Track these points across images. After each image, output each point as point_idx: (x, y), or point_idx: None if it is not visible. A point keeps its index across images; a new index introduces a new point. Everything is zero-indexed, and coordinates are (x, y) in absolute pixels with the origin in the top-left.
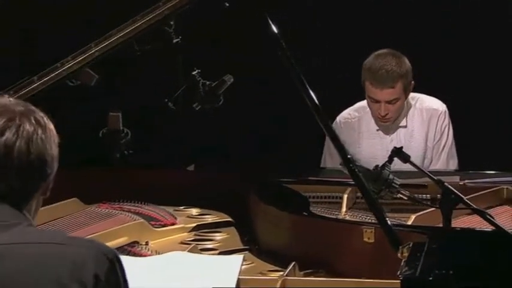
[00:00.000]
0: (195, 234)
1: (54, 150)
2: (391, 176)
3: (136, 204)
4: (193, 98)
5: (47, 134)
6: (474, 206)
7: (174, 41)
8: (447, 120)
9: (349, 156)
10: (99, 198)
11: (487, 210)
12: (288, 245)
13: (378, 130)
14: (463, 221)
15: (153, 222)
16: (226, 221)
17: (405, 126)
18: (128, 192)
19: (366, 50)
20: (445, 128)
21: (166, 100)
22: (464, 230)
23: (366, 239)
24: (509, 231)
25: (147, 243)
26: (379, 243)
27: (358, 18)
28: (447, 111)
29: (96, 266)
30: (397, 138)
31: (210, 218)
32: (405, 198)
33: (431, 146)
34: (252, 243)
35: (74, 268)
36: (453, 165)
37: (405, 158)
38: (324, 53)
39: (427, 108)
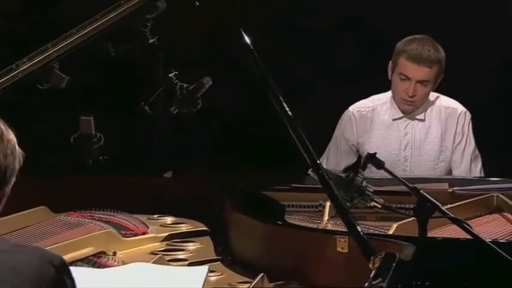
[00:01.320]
0: (167, 244)
1: (9, 160)
2: (364, 183)
3: (109, 213)
4: (170, 101)
5: (4, 143)
6: (451, 214)
7: (151, 41)
8: (468, 121)
9: (318, 162)
10: (71, 206)
11: (477, 219)
12: (260, 255)
13: (394, 120)
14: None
15: (123, 232)
16: (201, 230)
17: (423, 120)
18: (102, 199)
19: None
20: (465, 130)
21: (142, 103)
22: (439, 239)
23: (339, 249)
24: (500, 240)
25: (114, 254)
26: (352, 253)
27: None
28: (468, 113)
29: (39, 275)
30: (412, 132)
31: (184, 227)
32: (379, 206)
33: (449, 147)
34: (225, 253)
35: (17, 276)
36: (475, 168)
37: (379, 164)
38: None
39: (445, 106)
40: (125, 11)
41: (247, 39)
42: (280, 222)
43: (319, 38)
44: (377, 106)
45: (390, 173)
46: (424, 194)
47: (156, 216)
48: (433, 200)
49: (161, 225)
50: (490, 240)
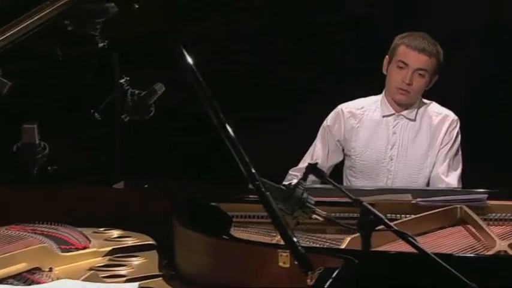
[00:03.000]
0: (109, 259)
1: None
2: (305, 195)
3: (52, 226)
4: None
5: None
6: (395, 227)
7: (100, 45)
8: (457, 129)
9: (253, 172)
10: (14, 218)
11: (440, 231)
12: (201, 270)
13: (384, 116)
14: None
15: (63, 246)
16: (148, 244)
17: (413, 120)
18: (48, 212)
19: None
20: (453, 137)
21: (92, 111)
22: (383, 253)
23: (281, 264)
24: (456, 253)
25: (50, 270)
26: (295, 268)
27: None
28: (459, 122)
29: None
30: (401, 132)
31: (130, 241)
32: (321, 219)
33: (437, 149)
34: (168, 268)
35: None
36: (453, 174)
37: (321, 175)
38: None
39: (437, 112)
40: (50, 13)
41: (188, 59)
42: (222, 236)
43: (324, 37)
44: (366, 105)
45: (333, 184)
46: (367, 206)
47: (102, 229)
48: (376, 212)
49: (105, 239)
50: (435, 253)
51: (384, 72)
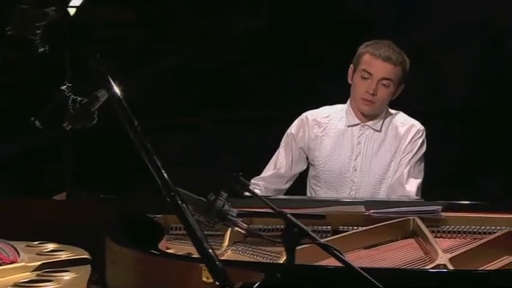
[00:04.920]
0: (38, 275)
1: None
2: (226, 207)
3: None
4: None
5: None
6: (320, 240)
7: (40, 50)
8: (422, 139)
9: (169, 183)
10: None
11: (391, 243)
12: (126, 285)
13: (349, 126)
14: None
15: None
16: (82, 258)
17: (379, 131)
18: None
19: None
20: (417, 145)
21: (32, 119)
22: (308, 266)
23: (204, 279)
24: (399, 267)
25: None
26: None
27: None
28: (424, 132)
29: None
30: (366, 142)
31: (64, 255)
32: (243, 232)
33: (399, 157)
34: (98, 283)
35: None
36: (412, 182)
37: (244, 186)
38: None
39: (403, 122)
40: None
41: (116, 90)
42: (147, 249)
43: (324, 37)
44: (331, 114)
45: (256, 195)
46: (292, 218)
47: (36, 243)
48: (301, 225)
49: (37, 253)
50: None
51: (349, 81)
